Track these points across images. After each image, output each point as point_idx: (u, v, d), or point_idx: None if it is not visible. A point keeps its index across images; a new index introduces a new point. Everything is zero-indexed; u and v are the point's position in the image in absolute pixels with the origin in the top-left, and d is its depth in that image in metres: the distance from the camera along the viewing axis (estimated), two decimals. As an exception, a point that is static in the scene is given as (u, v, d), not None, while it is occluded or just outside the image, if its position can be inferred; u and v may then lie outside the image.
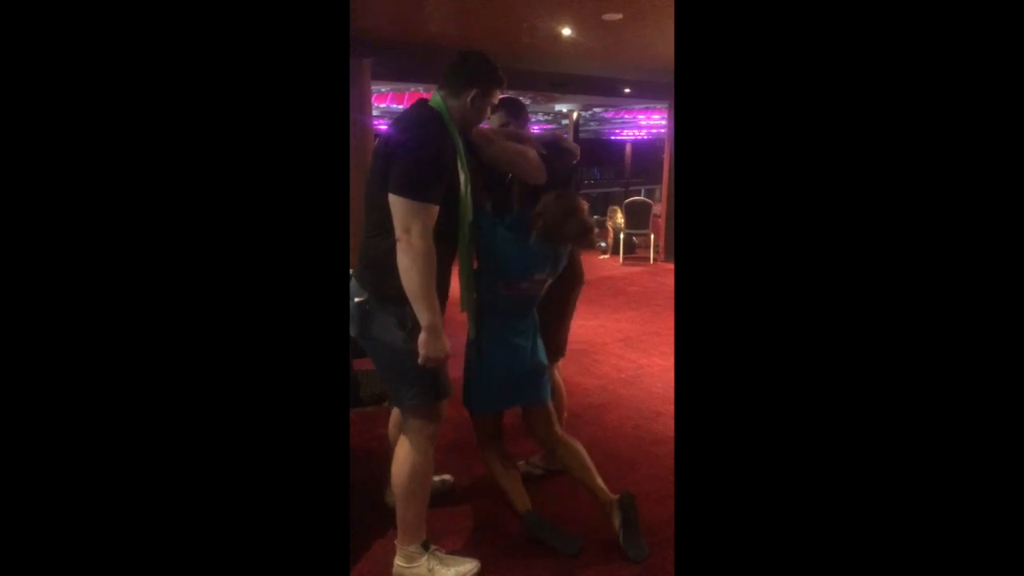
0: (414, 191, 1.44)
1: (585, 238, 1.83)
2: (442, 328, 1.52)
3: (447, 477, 2.19)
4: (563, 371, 3.20)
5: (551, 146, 2.02)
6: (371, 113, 5.05)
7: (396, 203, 1.44)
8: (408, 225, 1.44)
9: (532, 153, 1.91)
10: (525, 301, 1.87)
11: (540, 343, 2.02)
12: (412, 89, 7.03)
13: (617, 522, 1.87)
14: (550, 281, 1.91)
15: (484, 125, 2.11)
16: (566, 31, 4.08)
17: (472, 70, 1.60)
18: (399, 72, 5.25)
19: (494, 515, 2.01)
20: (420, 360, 1.52)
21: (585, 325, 4.23)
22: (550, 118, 11.08)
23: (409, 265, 1.45)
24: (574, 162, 2.12)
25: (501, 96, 2.20)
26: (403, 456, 1.65)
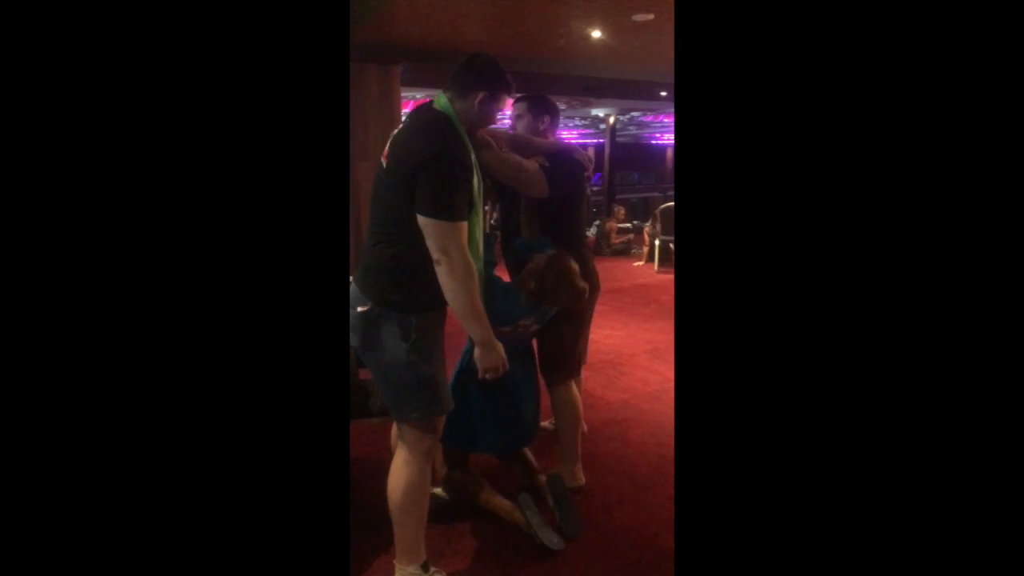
0: (448, 212, 1.41)
1: (576, 304, 1.81)
2: (495, 340, 1.55)
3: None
4: (586, 384, 3.11)
5: (557, 157, 1.93)
6: (401, 119, 5.06)
7: (430, 226, 1.41)
8: (446, 247, 1.42)
9: (530, 165, 1.82)
10: (509, 341, 1.82)
11: (531, 393, 2.01)
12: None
13: (551, 502, 1.95)
14: (537, 327, 1.86)
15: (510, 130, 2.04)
16: (596, 33, 3.98)
17: (481, 72, 1.54)
18: (430, 78, 5.25)
19: (499, 535, 1.94)
20: (479, 374, 1.58)
21: (613, 335, 4.11)
22: (587, 122, 10.96)
23: (454, 285, 1.44)
24: (586, 174, 2.03)
25: (528, 95, 2.13)
26: (399, 471, 1.60)
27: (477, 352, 1.57)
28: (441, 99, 1.54)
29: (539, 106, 2.06)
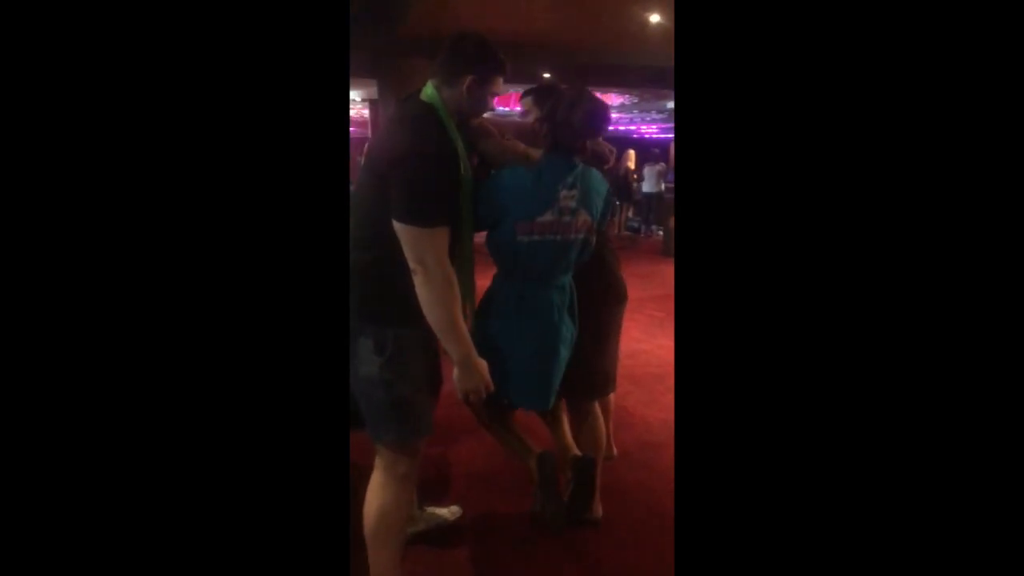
0: (423, 218, 1.25)
1: (603, 123, 1.51)
2: (476, 358, 1.37)
3: (454, 508, 1.98)
4: (626, 399, 2.86)
5: None
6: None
7: (404, 232, 1.26)
8: (421, 256, 1.26)
9: (538, 153, 1.62)
10: (554, 250, 1.48)
11: (571, 330, 1.63)
12: (511, 90, 6.93)
13: (571, 478, 1.66)
14: (590, 222, 1.51)
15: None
16: (655, 17, 3.69)
17: (468, 53, 1.35)
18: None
19: (489, 565, 1.76)
20: (459, 395, 1.42)
21: (666, 346, 3.80)
22: (664, 116, 10.49)
23: (429, 297, 1.28)
24: (606, 167, 1.80)
25: (534, 87, 1.94)
26: (373, 495, 1.46)
27: (456, 372, 1.39)
28: (427, 88, 1.37)
29: (547, 97, 1.85)
